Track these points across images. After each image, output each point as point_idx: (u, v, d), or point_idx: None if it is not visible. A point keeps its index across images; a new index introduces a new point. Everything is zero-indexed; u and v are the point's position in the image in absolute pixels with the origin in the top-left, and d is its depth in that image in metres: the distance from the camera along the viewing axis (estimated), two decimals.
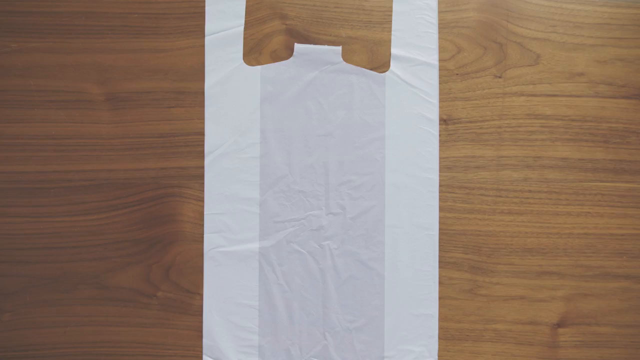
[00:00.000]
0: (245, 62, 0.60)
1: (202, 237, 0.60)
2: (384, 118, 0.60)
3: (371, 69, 0.60)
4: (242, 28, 0.60)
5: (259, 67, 0.60)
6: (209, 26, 0.60)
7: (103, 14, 0.60)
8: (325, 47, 0.60)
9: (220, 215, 0.60)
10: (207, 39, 0.60)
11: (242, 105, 0.60)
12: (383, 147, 0.60)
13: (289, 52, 0.60)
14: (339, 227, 0.60)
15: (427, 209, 0.60)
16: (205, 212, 0.60)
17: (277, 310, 0.60)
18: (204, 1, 0.60)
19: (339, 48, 0.60)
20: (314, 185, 0.60)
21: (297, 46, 0.60)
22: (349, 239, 0.60)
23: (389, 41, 0.60)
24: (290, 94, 0.60)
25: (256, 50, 0.60)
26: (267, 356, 0.60)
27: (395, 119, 0.60)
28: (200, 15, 0.60)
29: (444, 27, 0.60)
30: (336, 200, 0.60)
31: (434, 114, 0.60)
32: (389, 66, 0.60)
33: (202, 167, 0.60)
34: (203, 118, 0.60)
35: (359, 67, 0.60)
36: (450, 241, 0.60)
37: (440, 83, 0.60)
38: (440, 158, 0.60)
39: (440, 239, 0.60)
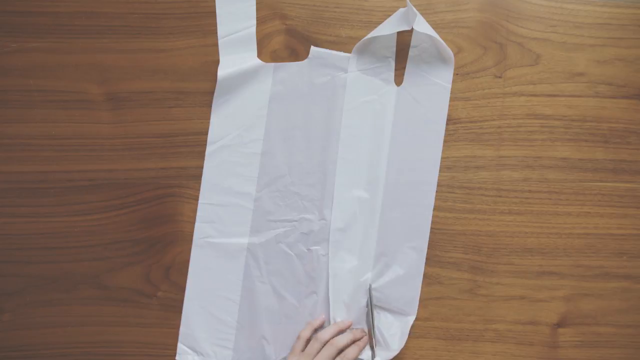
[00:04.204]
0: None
1: None
2: (389, 133, 0.60)
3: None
4: (254, 29, 0.60)
5: (272, 64, 0.60)
6: (221, 29, 0.60)
7: (103, 14, 0.60)
8: (341, 53, 0.60)
9: (214, 206, 0.60)
10: (220, 42, 0.59)
11: (250, 101, 0.60)
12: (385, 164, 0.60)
13: (288, 52, 0.60)
14: (329, 234, 0.59)
15: (419, 230, 0.59)
16: (199, 201, 0.60)
17: (257, 308, 0.59)
18: (205, 1, 0.60)
19: (355, 57, 0.59)
20: (311, 189, 0.60)
21: (313, 49, 0.60)
22: None
23: None
24: (299, 96, 0.60)
25: (256, 50, 0.60)
26: (242, 351, 0.59)
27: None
28: (200, 15, 0.60)
29: (444, 27, 0.60)
30: (330, 208, 0.60)
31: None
32: None
33: (202, 168, 0.60)
34: (203, 118, 0.60)
35: (371, 77, 0.59)
36: (450, 241, 0.60)
37: None
38: (440, 158, 0.60)
39: (440, 239, 0.60)
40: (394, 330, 0.58)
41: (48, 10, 0.60)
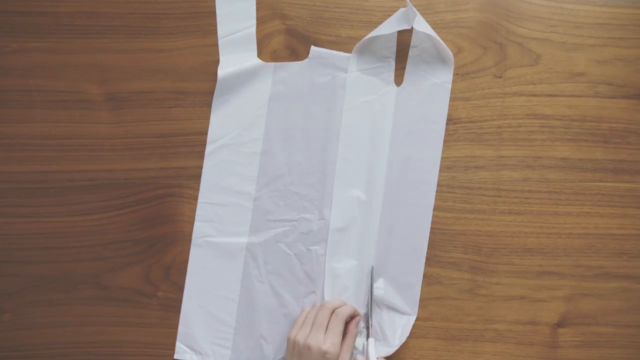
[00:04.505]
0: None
1: None
2: (389, 133, 0.59)
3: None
4: (254, 28, 0.60)
5: (272, 64, 0.60)
6: (221, 29, 0.60)
7: (103, 14, 0.60)
8: (342, 53, 0.60)
9: (213, 205, 0.60)
10: (220, 42, 0.59)
11: (250, 100, 0.60)
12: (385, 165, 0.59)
13: (288, 52, 0.60)
14: (328, 234, 0.59)
15: (419, 230, 0.59)
16: (198, 200, 0.60)
17: (255, 307, 0.59)
18: (205, 1, 0.60)
19: (355, 57, 0.59)
20: (310, 189, 0.60)
21: (313, 49, 0.60)
22: None
23: None
24: (299, 96, 0.60)
25: (256, 49, 0.60)
26: (240, 351, 0.59)
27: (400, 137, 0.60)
28: (200, 15, 0.60)
29: (444, 27, 0.60)
30: (330, 208, 0.60)
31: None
32: None
33: (202, 167, 0.60)
34: (203, 118, 0.60)
35: (372, 77, 0.59)
36: (450, 241, 0.60)
37: None
38: (440, 158, 0.60)
39: (440, 239, 0.60)
40: (395, 327, 0.58)
41: (48, 10, 0.60)
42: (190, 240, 0.60)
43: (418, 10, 0.57)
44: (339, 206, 0.59)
